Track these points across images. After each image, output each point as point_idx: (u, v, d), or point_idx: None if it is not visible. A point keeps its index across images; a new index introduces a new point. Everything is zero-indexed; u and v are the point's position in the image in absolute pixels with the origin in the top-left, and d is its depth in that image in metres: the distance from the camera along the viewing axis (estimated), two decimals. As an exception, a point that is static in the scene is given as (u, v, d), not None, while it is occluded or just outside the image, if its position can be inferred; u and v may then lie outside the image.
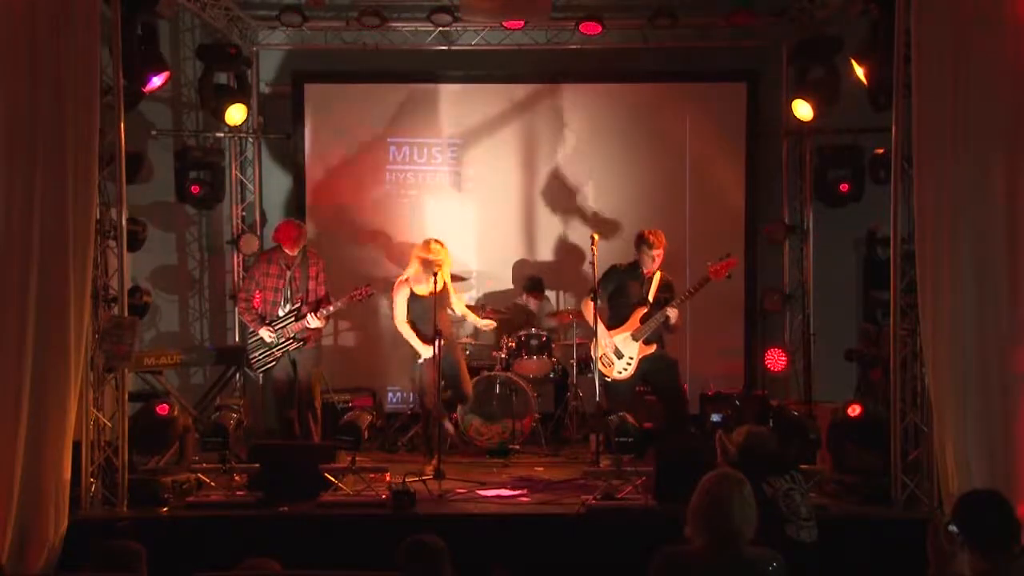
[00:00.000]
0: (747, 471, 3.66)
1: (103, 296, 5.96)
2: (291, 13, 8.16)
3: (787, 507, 4.32)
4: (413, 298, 7.10)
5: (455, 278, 7.51)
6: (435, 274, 6.81)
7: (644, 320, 6.92)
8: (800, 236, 8.58)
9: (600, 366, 6.90)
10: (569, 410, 8.05)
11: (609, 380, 6.96)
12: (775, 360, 8.40)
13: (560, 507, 5.99)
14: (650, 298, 6.98)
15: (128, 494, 5.90)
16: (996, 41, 5.27)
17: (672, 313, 6.84)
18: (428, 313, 6.93)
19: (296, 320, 7.11)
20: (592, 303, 6.80)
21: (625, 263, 7.12)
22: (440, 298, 6.92)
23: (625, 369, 6.95)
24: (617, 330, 6.98)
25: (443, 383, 6.99)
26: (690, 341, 8.18)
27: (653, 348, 6.97)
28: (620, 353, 6.96)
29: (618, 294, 7.07)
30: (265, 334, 7.11)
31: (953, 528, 3.43)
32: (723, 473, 3.51)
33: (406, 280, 7.11)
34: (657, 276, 7.03)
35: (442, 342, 6.75)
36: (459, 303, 7.39)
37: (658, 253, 6.93)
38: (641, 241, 6.98)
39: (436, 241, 7.04)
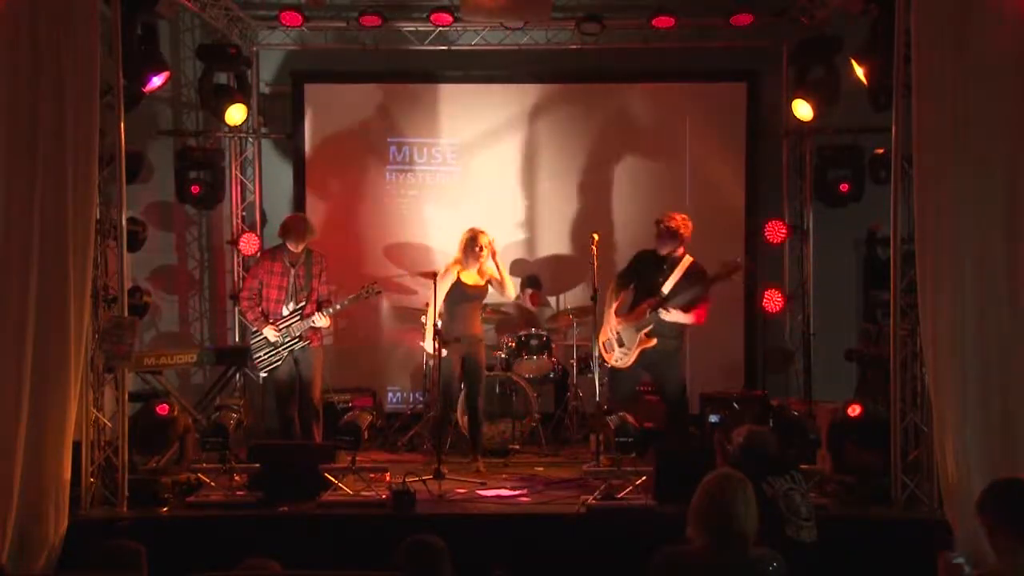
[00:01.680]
0: (747, 471, 3.66)
1: (103, 296, 5.96)
2: (291, 13, 8.16)
3: (787, 507, 4.32)
4: (456, 285, 7.02)
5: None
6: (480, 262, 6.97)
7: (651, 310, 6.73)
8: (800, 236, 8.58)
9: (601, 350, 6.84)
10: (569, 410, 8.05)
11: (608, 367, 6.88)
12: (772, 300, 8.37)
13: (560, 507, 6.00)
14: (667, 287, 6.73)
15: (128, 494, 5.91)
16: (996, 41, 5.27)
17: (667, 315, 6.67)
18: (461, 307, 6.96)
19: (301, 319, 7.10)
20: (613, 293, 6.78)
21: (651, 248, 6.95)
22: (477, 293, 7.04)
23: (621, 359, 6.83)
24: (624, 317, 6.85)
25: (462, 381, 7.13)
26: (690, 340, 8.15)
27: (654, 342, 6.75)
28: (621, 341, 6.84)
29: (639, 280, 6.91)
30: (269, 333, 7.09)
31: (960, 560, 3.56)
32: (725, 473, 3.51)
33: (455, 264, 7.04)
34: (685, 263, 6.78)
35: (460, 340, 6.87)
36: (511, 287, 7.32)
37: (670, 236, 6.73)
38: (656, 225, 6.85)
39: (483, 232, 7.04)
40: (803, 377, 8.42)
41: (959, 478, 5.20)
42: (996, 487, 3.73)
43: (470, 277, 7.03)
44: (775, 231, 8.37)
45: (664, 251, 6.80)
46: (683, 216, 6.86)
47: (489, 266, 7.07)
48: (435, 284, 6.83)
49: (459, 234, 7.15)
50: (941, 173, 5.36)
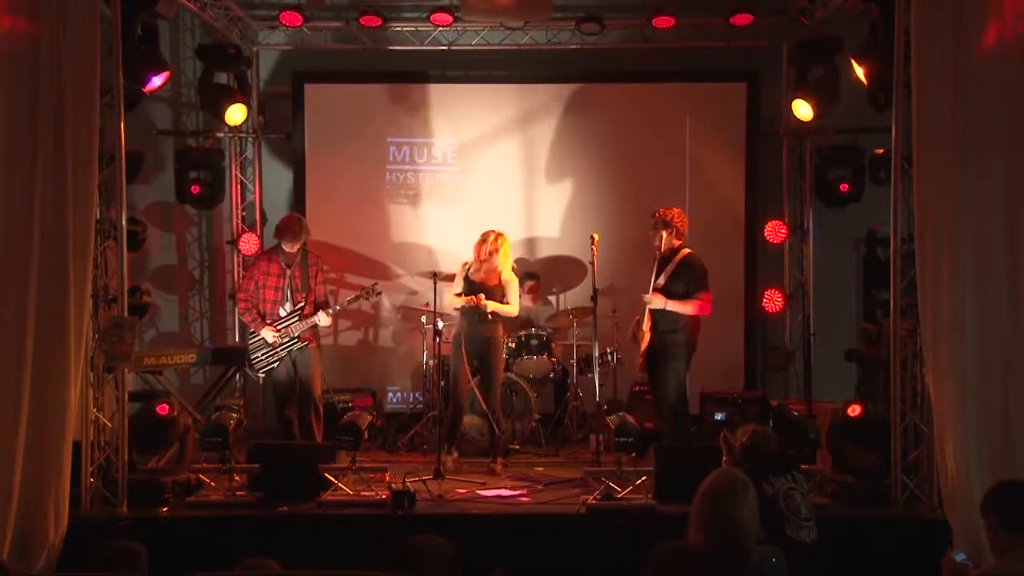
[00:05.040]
0: (748, 470, 3.67)
1: (103, 296, 5.96)
2: (291, 13, 8.16)
3: (787, 507, 4.31)
4: (468, 282, 7.03)
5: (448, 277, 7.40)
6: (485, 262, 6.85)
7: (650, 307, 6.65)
8: (800, 236, 8.58)
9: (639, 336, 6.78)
10: (569, 410, 8.05)
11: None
12: (772, 301, 8.37)
13: (560, 507, 6.00)
14: (662, 279, 6.65)
15: (128, 494, 5.91)
16: (996, 40, 5.27)
17: (646, 298, 6.59)
18: (467, 307, 6.88)
19: (300, 319, 7.10)
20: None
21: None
22: (489, 291, 6.95)
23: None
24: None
25: (476, 377, 7.08)
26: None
27: (648, 335, 6.66)
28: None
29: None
30: (268, 334, 7.08)
31: (965, 560, 3.58)
32: (727, 472, 3.51)
33: (466, 264, 7.11)
34: (679, 256, 6.70)
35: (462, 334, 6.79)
36: (512, 304, 7.13)
37: (663, 232, 6.68)
38: (651, 218, 6.79)
39: (496, 233, 7.01)
40: (803, 377, 8.41)
41: (959, 478, 5.20)
42: (998, 488, 3.75)
43: (478, 276, 7.00)
44: (775, 231, 8.38)
45: (657, 243, 6.73)
46: (678, 210, 6.82)
47: (498, 269, 7.00)
48: (435, 283, 6.84)
49: (458, 234, 7.17)
50: (941, 173, 5.36)
